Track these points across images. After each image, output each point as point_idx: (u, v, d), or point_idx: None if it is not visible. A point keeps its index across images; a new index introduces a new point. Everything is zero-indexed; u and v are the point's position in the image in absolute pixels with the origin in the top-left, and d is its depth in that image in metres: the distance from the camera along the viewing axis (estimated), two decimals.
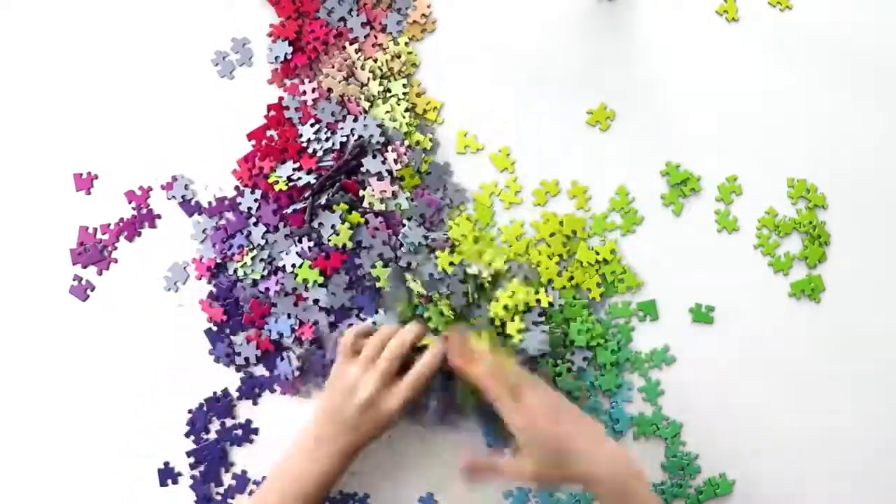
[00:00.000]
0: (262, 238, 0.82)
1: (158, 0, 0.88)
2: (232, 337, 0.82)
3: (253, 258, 0.82)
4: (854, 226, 0.84)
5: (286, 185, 0.82)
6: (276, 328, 0.82)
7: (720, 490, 0.81)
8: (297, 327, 0.81)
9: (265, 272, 0.82)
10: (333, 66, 0.83)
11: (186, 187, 0.84)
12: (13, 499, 0.82)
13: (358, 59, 0.84)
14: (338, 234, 0.81)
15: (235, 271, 0.83)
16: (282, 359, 0.82)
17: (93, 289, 0.84)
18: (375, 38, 0.85)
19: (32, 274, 0.84)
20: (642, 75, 0.86)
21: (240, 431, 0.82)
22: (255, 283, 0.82)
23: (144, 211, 0.85)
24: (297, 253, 0.82)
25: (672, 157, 0.85)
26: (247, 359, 0.82)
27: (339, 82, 0.83)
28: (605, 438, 0.72)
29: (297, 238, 0.82)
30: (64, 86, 0.87)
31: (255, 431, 0.82)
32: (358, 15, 0.85)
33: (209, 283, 0.83)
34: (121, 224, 0.85)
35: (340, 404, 0.76)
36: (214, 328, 0.82)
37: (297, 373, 0.82)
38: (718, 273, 0.83)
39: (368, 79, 0.83)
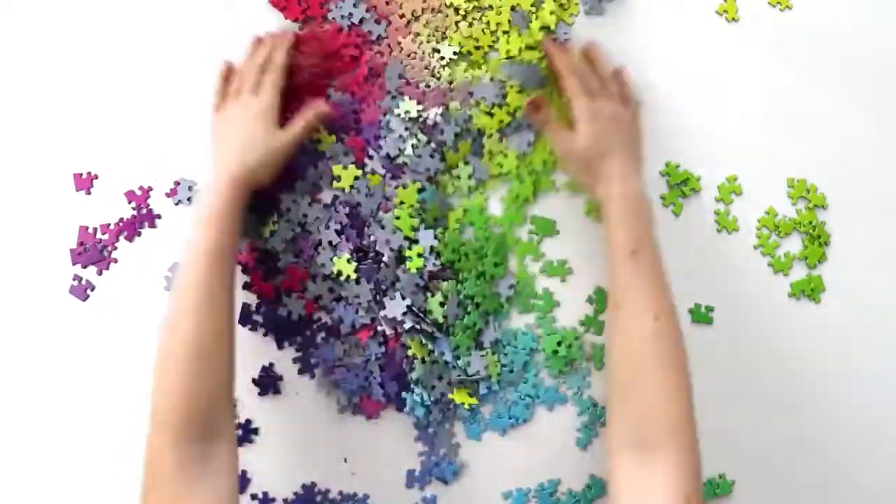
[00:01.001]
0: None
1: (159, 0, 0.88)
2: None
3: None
4: (854, 226, 0.84)
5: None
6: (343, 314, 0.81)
7: (720, 490, 0.81)
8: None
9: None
10: None
11: (190, 188, 0.84)
12: (13, 498, 0.82)
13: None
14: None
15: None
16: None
17: (93, 289, 0.84)
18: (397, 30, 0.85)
19: (32, 274, 0.84)
20: (642, 75, 0.86)
21: (240, 431, 0.82)
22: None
23: (144, 211, 0.85)
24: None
25: (672, 158, 0.85)
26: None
27: None
28: (639, 168, 0.78)
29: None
30: (64, 86, 0.87)
31: (256, 431, 0.82)
32: (367, 12, 0.84)
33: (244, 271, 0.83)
34: (121, 224, 0.85)
35: (219, 140, 0.79)
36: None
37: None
38: (718, 273, 0.83)
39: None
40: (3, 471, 0.82)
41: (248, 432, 0.82)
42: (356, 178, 0.82)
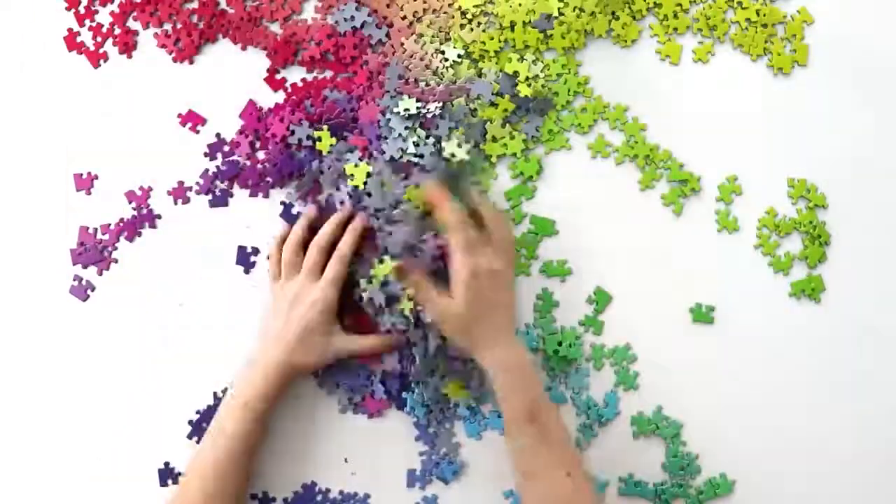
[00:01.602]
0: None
1: None
2: None
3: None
4: (854, 226, 0.84)
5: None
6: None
7: (720, 490, 0.81)
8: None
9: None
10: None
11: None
12: (13, 499, 0.82)
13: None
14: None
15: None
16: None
17: (93, 289, 0.84)
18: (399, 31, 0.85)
19: (32, 274, 0.84)
20: (642, 75, 0.86)
21: None
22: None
23: (144, 211, 0.85)
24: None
25: (672, 158, 0.85)
26: None
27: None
28: (511, 327, 0.76)
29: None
30: (64, 85, 0.87)
31: None
32: (369, 16, 0.84)
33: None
34: (121, 224, 0.85)
35: (271, 322, 0.77)
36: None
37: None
38: (718, 273, 0.84)
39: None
40: (3, 471, 0.82)
41: None
42: (368, 174, 0.82)
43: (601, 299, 0.83)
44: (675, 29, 0.86)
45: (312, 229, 0.80)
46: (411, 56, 0.84)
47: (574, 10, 0.85)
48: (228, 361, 0.81)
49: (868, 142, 0.85)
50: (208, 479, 0.73)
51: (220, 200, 0.84)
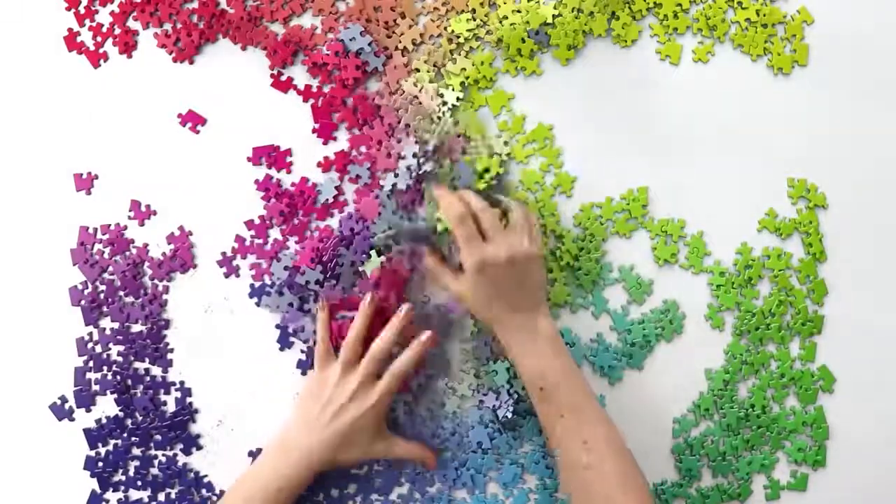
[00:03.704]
0: None
1: None
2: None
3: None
4: (854, 226, 0.84)
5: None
6: None
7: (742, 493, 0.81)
8: None
9: None
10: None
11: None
12: (13, 498, 0.82)
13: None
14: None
15: None
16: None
17: (93, 289, 0.84)
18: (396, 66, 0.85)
19: (32, 274, 0.84)
20: (642, 75, 0.86)
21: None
22: None
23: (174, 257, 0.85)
24: None
25: (673, 157, 0.85)
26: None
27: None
28: (535, 303, 0.76)
29: None
30: (64, 85, 0.87)
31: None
32: (370, 45, 0.85)
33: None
34: (121, 227, 0.85)
35: (317, 411, 0.75)
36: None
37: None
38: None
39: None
40: (3, 470, 0.82)
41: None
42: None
43: (599, 302, 0.83)
44: (675, 29, 0.86)
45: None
46: (410, 101, 0.84)
47: (572, 11, 0.85)
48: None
49: (868, 142, 0.85)
50: None
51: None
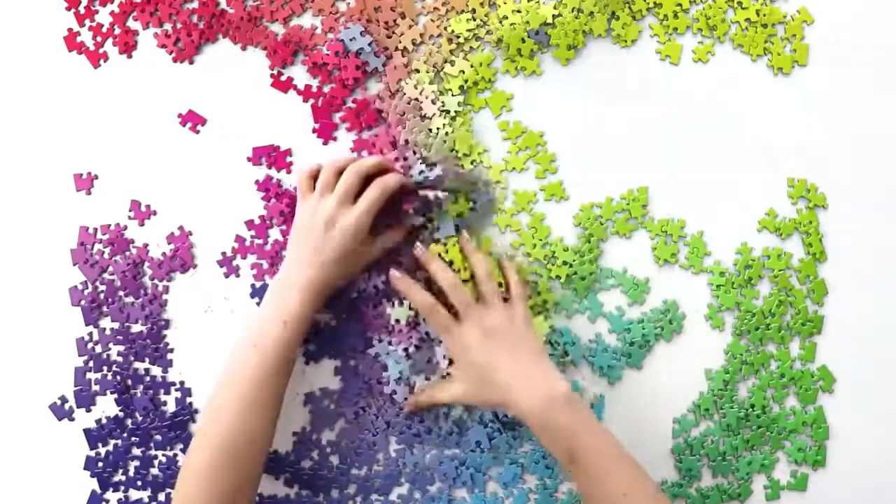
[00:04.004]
0: None
1: None
2: None
3: None
4: (854, 226, 0.84)
5: None
6: None
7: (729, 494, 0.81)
8: None
9: None
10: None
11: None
12: (13, 498, 0.82)
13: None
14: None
15: None
16: None
17: (93, 289, 0.84)
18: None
19: (32, 274, 0.84)
20: (642, 75, 0.86)
21: None
22: None
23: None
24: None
25: (673, 157, 0.85)
26: None
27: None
28: (537, 364, 0.74)
29: None
30: (65, 85, 0.87)
31: None
32: (370, 45, 0.85)
33: None
34: (121, 227, 0.85)
35: (303, 237, 0.76)
36: None
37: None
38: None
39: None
40: (3, 470, 0.82)
41: None
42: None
43: (594, 306, 0.83)
44: (675, 29, 0.86)
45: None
46: (409, 102, 0.83)
47: (572, 11, 0.85)
48: None
49: (868, 142, 0.85)
50: (246, 389, 0.71)
51: None
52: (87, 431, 0.82)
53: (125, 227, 0.85)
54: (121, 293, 0.84)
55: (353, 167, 0.77)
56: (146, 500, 0.81)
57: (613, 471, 0.71)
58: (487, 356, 0.74)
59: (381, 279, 0.81)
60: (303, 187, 0.79)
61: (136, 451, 0.82)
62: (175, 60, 0.87)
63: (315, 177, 0.79)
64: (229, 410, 0.71)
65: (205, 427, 0.72)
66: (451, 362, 0.78)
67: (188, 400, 0.82)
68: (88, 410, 0.82)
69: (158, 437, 0.82)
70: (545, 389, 0.72)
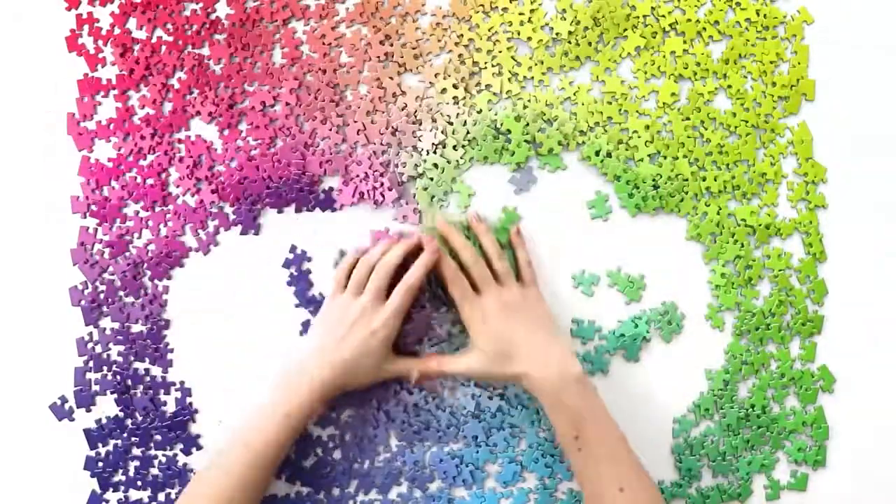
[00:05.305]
0: None
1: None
2: None
3: None
4: (854, 226, 0.84)
5: None
6: None
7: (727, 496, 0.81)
8: None
9: None
10: None
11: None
12: (13, 498, 0.82)
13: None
14: None
15: None
16: None
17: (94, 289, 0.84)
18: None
19: (32, 274, 0.84)
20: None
21: None
22: None
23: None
24: None
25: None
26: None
27: None
28: (553, 342, 0.75)
29: None
30: (65, 85, 0.87)
31: None
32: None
33: None
34: (121, 227, 0.85)
35: (325, 337, 0.75)
36: None
37: None
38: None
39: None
40: (3, 470, 0.83)
41: None
42: None
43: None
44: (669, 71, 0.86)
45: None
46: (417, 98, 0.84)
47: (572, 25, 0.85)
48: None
49: (868, 142, 0.85)
50: (231, 493, 0.70)
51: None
52: (87, 431, 0.82)
53: (125, 228, 0.85)
54: (121, 293, 0.84)
55: (382, 266, 0.76)
56: (146, 500, 0.81)
57: (612, 464, 0.71)
58: (506, 327, 0.75)
59: None
60: (340, 283, 0.78)
61: (136, 452, 0.82)
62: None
63: (350, 271, 0.78)
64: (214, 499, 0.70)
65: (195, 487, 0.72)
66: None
67: (188, 400, 0.82)
68: (88, 410, 0.83)
69: (158, 437, 0.82)
70: (560, 368, 0.73)
